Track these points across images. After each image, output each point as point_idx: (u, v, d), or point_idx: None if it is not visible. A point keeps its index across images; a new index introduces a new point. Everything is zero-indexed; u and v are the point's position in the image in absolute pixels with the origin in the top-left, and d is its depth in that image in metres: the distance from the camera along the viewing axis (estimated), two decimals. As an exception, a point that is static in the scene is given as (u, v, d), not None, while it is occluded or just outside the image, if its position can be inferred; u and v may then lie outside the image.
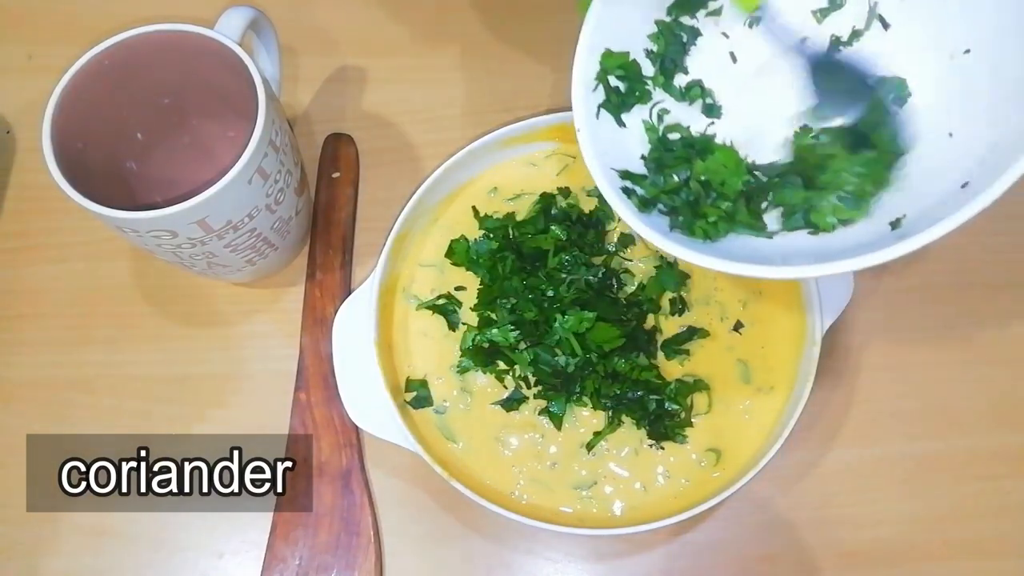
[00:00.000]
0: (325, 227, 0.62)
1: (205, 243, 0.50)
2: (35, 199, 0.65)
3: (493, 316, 0.55)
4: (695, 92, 0.49)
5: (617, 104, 0.48)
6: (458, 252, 0.57)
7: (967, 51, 0.43)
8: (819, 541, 0.55)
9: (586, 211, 0.58)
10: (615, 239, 0.57)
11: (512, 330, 0.53)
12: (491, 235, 0.57)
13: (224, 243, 0.51)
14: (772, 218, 0.46)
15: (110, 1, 0.70)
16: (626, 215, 0.45)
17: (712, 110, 0.49)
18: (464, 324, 0.56)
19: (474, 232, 0.57)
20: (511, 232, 0.57)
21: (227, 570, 0.56)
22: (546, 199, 0.58)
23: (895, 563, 0.54)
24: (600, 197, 0.57)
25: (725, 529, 0.55)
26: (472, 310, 0.56)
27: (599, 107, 0.48)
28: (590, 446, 0.53)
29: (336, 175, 0.64)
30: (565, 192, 0.58)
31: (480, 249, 0.56)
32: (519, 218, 0.58)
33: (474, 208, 0.58)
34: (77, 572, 0.56)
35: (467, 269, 0.57)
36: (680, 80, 0.50)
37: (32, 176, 0.66)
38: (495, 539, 0.56)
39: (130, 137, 0.57)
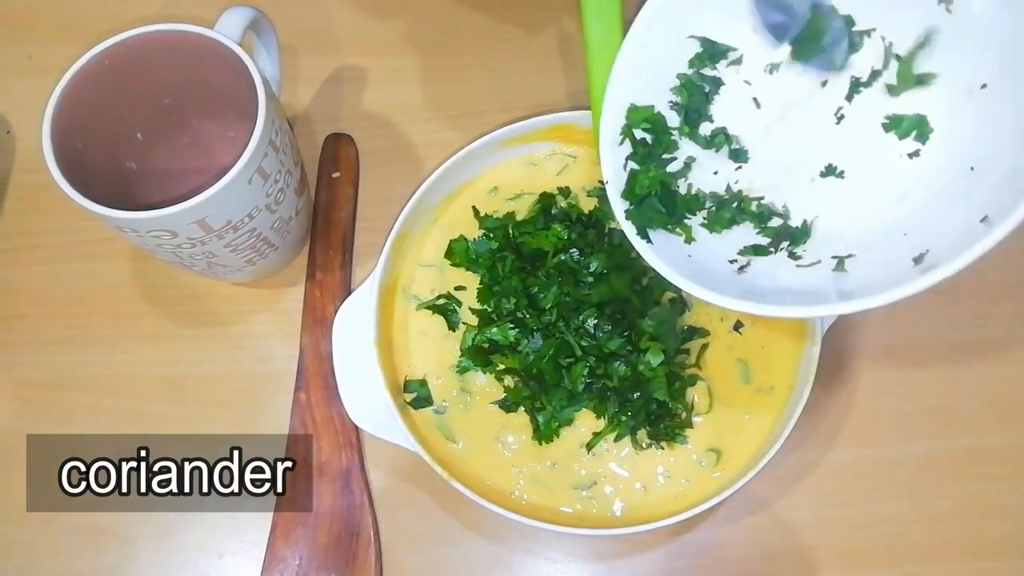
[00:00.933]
0: (325, 227, 0.62)
1: (205, 243, 0.50)
2: (35, 199, 0.65)
3: (493, 316, 0.55)
4: (720, 139, 0.50)
5: (644, 156, 0.49)
6: (457, 252, 0.57)
7: (984, 86, 0.44)
8: (819, 541, 0.55)
9: (586, 211, 0.58)
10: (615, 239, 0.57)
11: (512, 328, 0.53)
12: (491, 235, 0.57)
13: (224, 243, 0.51)
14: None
15: (110, 1, 0.70)
16: (659, 266, 0.46)
17: (738, 155, 0.50)
18: (464, 323, 0.56)
19: (474, 232, 0.57)
20: (511, 232, 0.57)
21: (227, 570, 0.56)
22: (546, 199, 0.58)
23: (895, 563, 0.54)
24: (600, 197, 0.58)
25: (725, 529, 0.55)
26: (471, 311, 0.56)
27: (626, 159, 0.49)
28: (590, 446, 0.53)
29: (336, 175, 0.64)
30: (565, 192, 0.58)
31: (480, 249, 0.56)
32: (519, 218, 0.58)
33: (474, 208, 0.58)
34: (77, 572, 0.56)
35: (467, 269, 0.57)
36: (705, 128, 0.50)
37: (32, 176, 0.66)
38: (495, 539, 0.56)
39: (130, 137, 0.57)
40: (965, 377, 0.58)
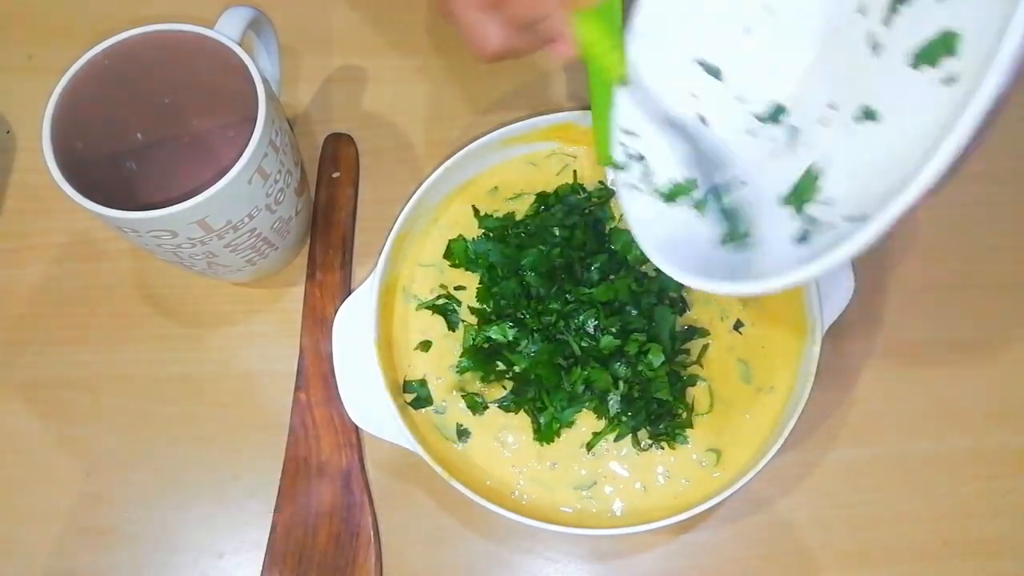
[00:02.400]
0: (325, 227, 0.62)
1: (205, 243, 0.50)
2: (35, 199, 0.65)
3: (492, 316, 0.54)
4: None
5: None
6: (456, 252, 0.57)
7: None
8: (819, 541, 0.55)
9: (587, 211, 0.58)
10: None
11: (511, 328, 0.53)
12: (490, 235, 0.57)
13: (224, 243, 0.51)
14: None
15: (110, 1, 0.70)
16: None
17: (777, 113, 0.48)
18: (463, 321, 0.56)
19: (474, 232, 0.58)
20: (510, 232, 0.57)
21: (227, 570, 0.56)
22: (544, 199, 0.58)
23: (895, 563, 0.54)
24: (601, 197, 0.58)
25: (725, 529, 0.55)
26: (471, 310, 0.56)
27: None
28: (590, 446, 0.53)
29: (336, 175, 0.64)
30: (576, 188, 0.58)
31: (479, 249, 0.56)
32: (519, 218, 0.58)
33: (474, 207, 0.58)
34: (77, 572, 0.56)
35: (466, 269, 0.57)
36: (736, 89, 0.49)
37: (32, 176, 0.66)
38: (495, 539, 0.56)
39: (130, 137, 0.57)
40: (965, 377, 0.58)
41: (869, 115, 0.43)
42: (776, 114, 0.48)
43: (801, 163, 0.45)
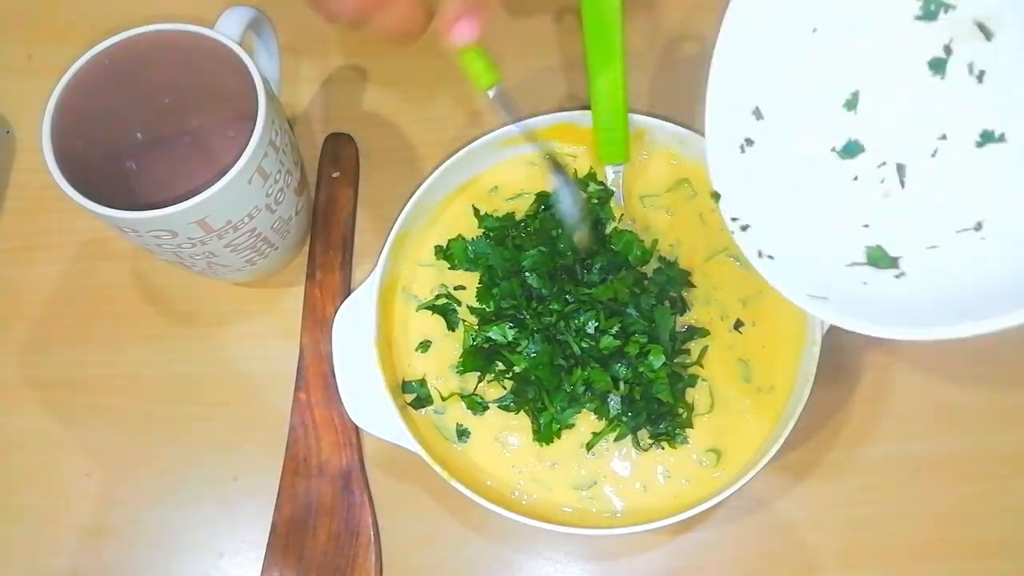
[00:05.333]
0: (325, 227, 0.62)
1: (205, 243, 0.50)
2: (35, 199, 0.65)
3: (492, 316, 0.54)
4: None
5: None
6: (456, 252, 0.57)
7: None
8: (819, 541, 0.55)
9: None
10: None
11: (511, 328, 0.53)
12: (490, 234, 0.57)
13: (224, 243, 0.51)
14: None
15: (110, 1, 0.70)
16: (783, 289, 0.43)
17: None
18: (463, 321, 0.56)
19: (474, 231, 0.57)
20: (510, 232, 0.57)
21: (227, 570, 0.56)
22: (544, 199, 0.58)
23: (895, 563, 0.54)
24: (601, 198, 0.58)
25: (725, 529, 0.55)
26: (470, 310, 0.56)
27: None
28: (590, 446, 0.53)
29: (336, 175, 0.64)
30: (584, 183, 0.58)
31: (479, 249, 0.56)
32: (519, 218, 0.58)
33: (474, 207, 0.58)
34: (77, 572, 0.56)
35: (466, 269, 0.57)
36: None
37: (32, 176, 0.66)
38: (495, 539, 0.56)
39: (130, 137, 0.57)
40: (965, 377, 0.58)
41: (991, 138, 0.42)
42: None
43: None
